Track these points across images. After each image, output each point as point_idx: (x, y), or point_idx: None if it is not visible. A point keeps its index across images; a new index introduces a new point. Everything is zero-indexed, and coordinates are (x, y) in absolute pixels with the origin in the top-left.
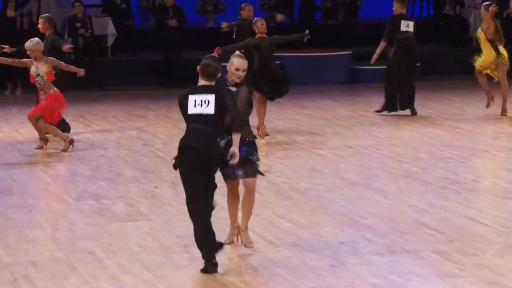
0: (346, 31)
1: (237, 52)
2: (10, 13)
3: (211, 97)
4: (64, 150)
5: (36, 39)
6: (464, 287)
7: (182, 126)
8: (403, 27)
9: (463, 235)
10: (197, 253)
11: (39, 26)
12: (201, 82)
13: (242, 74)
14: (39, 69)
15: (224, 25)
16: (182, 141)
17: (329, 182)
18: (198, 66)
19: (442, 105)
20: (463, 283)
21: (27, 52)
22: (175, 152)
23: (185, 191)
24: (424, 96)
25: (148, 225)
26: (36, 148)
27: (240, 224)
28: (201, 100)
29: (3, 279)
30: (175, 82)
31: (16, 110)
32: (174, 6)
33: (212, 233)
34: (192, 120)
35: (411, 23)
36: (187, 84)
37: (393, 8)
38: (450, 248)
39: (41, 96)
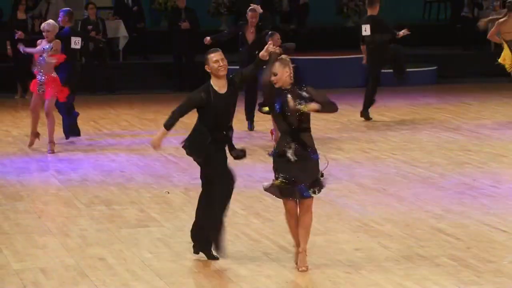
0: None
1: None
2: (21, 15)
3: None
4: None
5: (52, 21)
6: None
7: None
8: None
9: (481, 242)
10: (209, 260)
11: (60, 19)
12: None
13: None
14: (45, 48)
15: (207, 40)
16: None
17: (344, 187)
18: (206, 65)
19: (459, 109)
20: None
21: (43, 34)
22: (188, 157)
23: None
24: (441, 99)
25: (159, 231)
26: (29, 146)
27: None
28: None
29: (12, 286)
30: (187, 85)
31: (25, 114)
32: (187, 8)
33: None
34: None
35: (367, 26)
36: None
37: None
38: (467, 255)
39: (38, 77)
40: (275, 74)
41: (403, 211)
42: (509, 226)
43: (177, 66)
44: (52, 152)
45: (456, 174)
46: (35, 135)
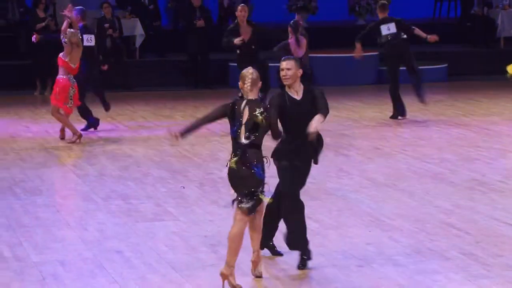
0: None
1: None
2: (41, 14)
3: None
4: (71, 142)
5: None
6: None
7: (209, 126)
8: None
9: (490, 236)
10: (224, 253)
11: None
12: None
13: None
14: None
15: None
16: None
17: (356, 183)
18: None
19: (469, 106)
20: (489, 283)
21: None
22: (203, 153)
23: (290, 190)
24: (451, 96)
25: (175, 225)
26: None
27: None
28: None
29: (32, 278)
30: (202, 83)
31: (44, 110)
32: (202, 7)
33: None
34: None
35: (392, 25)
36: (215, 85)
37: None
38: (477, 249)
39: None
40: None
41: (414, 206)
42: None
43: (192, 64)
44: (79, 138)
45: (466, 170)
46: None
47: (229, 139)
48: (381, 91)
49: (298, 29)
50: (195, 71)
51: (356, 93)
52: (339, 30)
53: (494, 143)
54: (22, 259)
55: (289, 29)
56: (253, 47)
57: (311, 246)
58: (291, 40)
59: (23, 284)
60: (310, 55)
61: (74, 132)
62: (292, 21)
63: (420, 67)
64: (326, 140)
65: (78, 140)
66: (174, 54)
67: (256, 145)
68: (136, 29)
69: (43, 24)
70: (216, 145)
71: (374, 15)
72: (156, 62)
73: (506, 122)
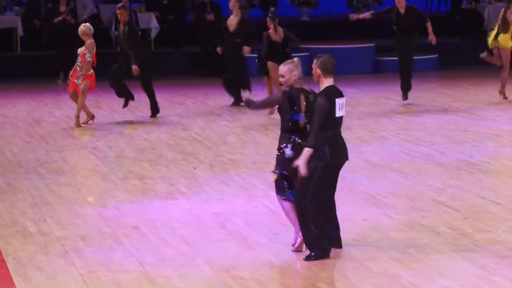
0: None
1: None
2: (62, 8)
3: (344, 100)
4: (85, 123)
5: (87, 24)
6: (477, 260)
7: (219, 112)
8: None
9: (477, 213)
10: (232, 229)
11: (119, 16)
12: (329, 81)
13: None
14: (79, 50)
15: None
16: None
17: (354, 164)
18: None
19: (458, 93)
20: (476, 257)
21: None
22: (213, 136)
23: (323, 187)
24: (441, 84)
25: (187, 203)
26: (83, 123)
27: None
28: (341, 103)
29: (55, 251)
30: (212, 72)
31: (66, 98)
32: (212, 2)
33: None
34: (338, 124)
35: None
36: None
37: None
38: (465, 225)
39: (77, 73)
40: (283, 76)
41: (407, 185)
42: (502, 198)
43: (203, 55)
44: (78, 126)
45: (455, 152)
46: (91, 117)
47: (237, 123)
48: (377, 79)
49: (275, 18)
50: (206, 61)
51: (354, 81)
52: (338, 23)
53: (481, 127)
54: (46, 234)
55: (268, 19)
56: (238, 40)
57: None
58: (270, 30)
59: (47, 257)
60: (311, 46)
61: (87, 113)
62: (270, 12)
63: (414, 57)
64: None
65: (91, 121)
66: (186, 45)
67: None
68: (151, 22)
69: (60, 18)
70: (225, 129)
71: (370, 9)
72: (170, 53)
73: (492, 108)
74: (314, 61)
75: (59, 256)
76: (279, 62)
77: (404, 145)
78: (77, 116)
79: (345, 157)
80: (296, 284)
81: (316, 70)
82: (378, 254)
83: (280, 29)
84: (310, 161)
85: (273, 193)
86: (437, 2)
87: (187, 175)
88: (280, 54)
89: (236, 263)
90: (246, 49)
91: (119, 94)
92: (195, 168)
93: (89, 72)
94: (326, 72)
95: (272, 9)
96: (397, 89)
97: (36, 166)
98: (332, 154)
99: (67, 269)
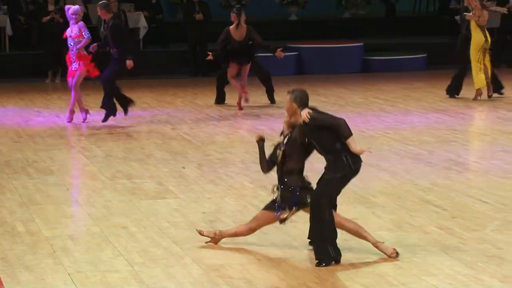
0: None
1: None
2: (51, 8)
3: None
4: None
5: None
6: (465, 259)
7: (208, 111)
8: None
9: (465, 212)
10: (221, 228)
11: (99, 13)
12: None
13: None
14: (73, 31)
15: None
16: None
17: None
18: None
19: None
20: (464, 256)
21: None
22: (201, 136)
23: (333, 195)
24: (430, 84)
25: (176, 203)
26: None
27: None
28: None
29: (43, 251)
30: (201, 72)
31: (55, 97)
32: (200, 1)
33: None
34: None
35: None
36: (213, 74)
37: None
38: (453, 224)
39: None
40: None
41: (395, 185)
42: (490, 198)
43: (192, 54)
44: (70, 120)
45: (443, 151)
46: (85, 111)
47: (225, 123)
48: (365, 79)
49: (241, 14)
50: (194, 60)
51: (342, 80)
52: (326, 22)
53: (469, 127)
54: (35, 233)
55: (233, 15)
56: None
57: (304, 222)
58: (232, 26)
59: (35, 256)
60: (300, 45)
61: (82, 108)
62: (235, 8)
63: (402, 57)
64: None
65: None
66: (175, 45)
67: None
68: (140, 21)
69: (48, 17)
70: (213, 129)
71: (359, 9)
72: (159, 52)
73: (480, 107)
74: (288, 97)
75: (47, 255)
76: (239, 62)
77: (392, 144)
78: (72, 111)
79: (361, 160)
80: (285, 283)
81: (291, 104)
82: (368, 254)
83: (243, 27)
84: (336, 172)
85: (262, 192)
86: (426, 3)
87: (175, 175)
88: (239, 53)
89: (225, 263)
90: (279, 52)
91: (120, 105)
92: (183, 168)
93: (83, 52)
94: (304, 106)
95: (238, 6)
96: (385, 88)
97: (24, 165)
98: (353, 161)
99: (55, 268)
